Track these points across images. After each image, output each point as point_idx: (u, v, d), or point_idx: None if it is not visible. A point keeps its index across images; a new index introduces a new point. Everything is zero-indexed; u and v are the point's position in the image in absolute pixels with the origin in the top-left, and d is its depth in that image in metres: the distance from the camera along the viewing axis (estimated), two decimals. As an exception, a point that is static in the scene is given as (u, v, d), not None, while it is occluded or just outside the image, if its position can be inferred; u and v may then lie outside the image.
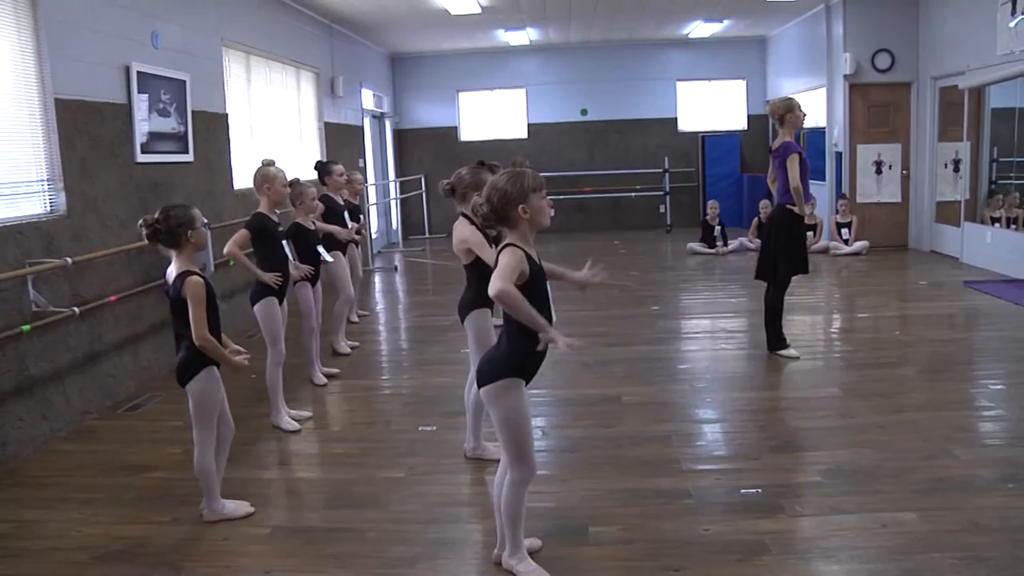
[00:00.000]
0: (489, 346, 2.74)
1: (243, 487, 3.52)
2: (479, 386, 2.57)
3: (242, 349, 3.21)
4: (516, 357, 2.50)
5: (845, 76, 9.84)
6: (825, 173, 10.28)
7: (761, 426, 4.08)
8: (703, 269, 9.27)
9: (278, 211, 4.43)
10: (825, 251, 9.76)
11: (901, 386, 4.62)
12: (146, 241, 3.07)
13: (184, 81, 5.91)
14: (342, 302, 5.79)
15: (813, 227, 9.83)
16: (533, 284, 2.47)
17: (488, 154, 12.16)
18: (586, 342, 5.97)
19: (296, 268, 4.66)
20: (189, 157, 6.01)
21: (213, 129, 6.49)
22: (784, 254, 5.15)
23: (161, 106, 5.60)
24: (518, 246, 2.44)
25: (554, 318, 2.57)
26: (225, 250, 4.20)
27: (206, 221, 3.26)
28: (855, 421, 4.08)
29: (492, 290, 2.34)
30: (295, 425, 4.32)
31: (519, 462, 2.57)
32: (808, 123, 10.98)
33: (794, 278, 5.30)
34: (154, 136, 5.51)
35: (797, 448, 3.79)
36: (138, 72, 5.28)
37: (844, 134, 10.00)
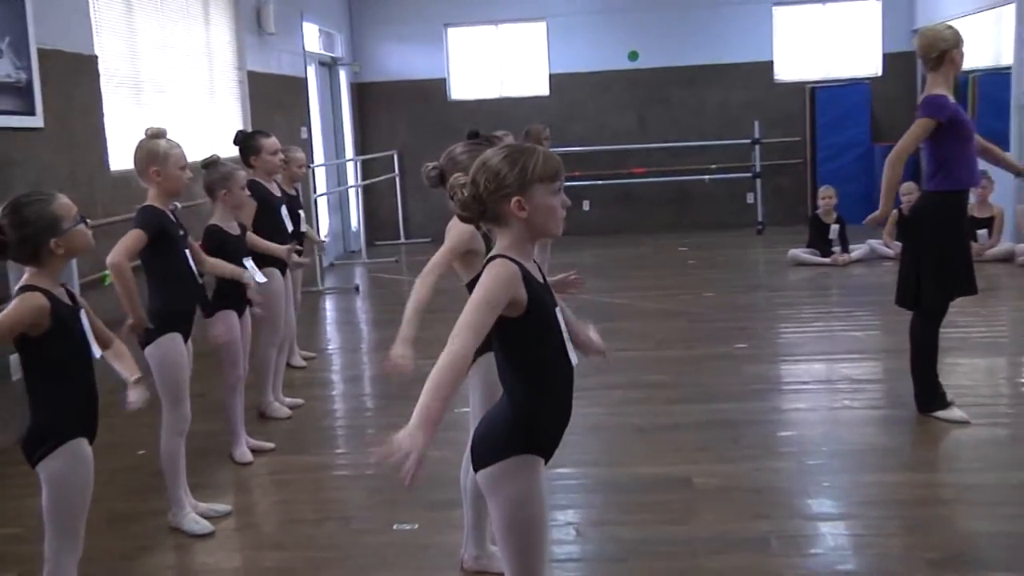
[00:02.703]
0: (492, 403, 2.77)
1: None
2: (475, 467, 2.61)
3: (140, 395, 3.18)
4: (525, 422, 2.52)
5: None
6: (1009, 140, 10.19)
7: (912, 527, 4.05)
8: (813, 287, 9.23)
9: (178, 204, 4.44)
10: (1009, 259, 9.73)
11: None
12: None
13: (21, 1, 5.90)
14: (269, 343, 5.77)
15: (987, 222, 9.80)
16: (538, 314, 2.50)
17: (490, 120, 12.15)
18: (640, 395, 5.96)
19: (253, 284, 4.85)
20: (36, 120, 6.05)
21: (75, 78, 6.51)
22: (935, 266, 5.11)
23: (-16, 40, 5.61)
24: (510, 259, 2.48)
25: (575, 361, 2.61)
26: (109, 260, 4.12)
27: (83, 216, 3.20)
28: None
29: (450, 342, 2.37)
30: (206, 526, 4.32)
31: None
32: (977, 62, 10.95)
33: (954, 301, 5.24)
34: (-25, 87, 5.53)
35: (973, 564, 3.75)
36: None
37: (1041, 79, 9.89)
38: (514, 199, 2.47)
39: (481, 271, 3.43)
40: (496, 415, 2.60)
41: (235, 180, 4.87)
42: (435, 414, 2.35)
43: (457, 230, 3.43)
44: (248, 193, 5.08)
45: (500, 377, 2.60)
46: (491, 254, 2.53)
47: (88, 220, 3.27)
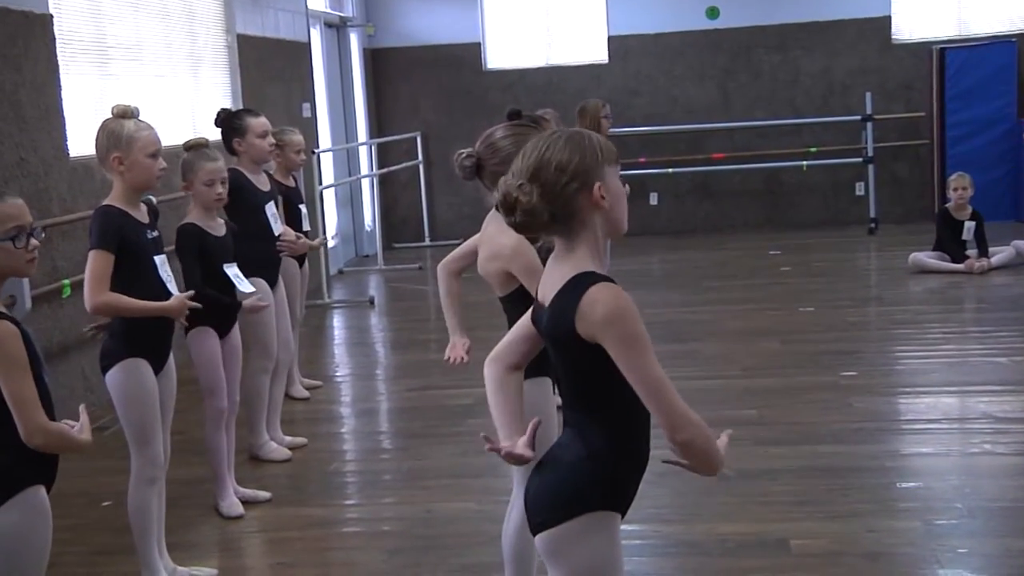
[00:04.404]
0: (549, 444, 2.74)
1: None
2: (535, 528, 2.60)
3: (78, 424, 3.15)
4: (607, 470, 2.53)
5: None
6: None
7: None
8: (942, 301, 9.20)
9: (153, 199, 4.46)
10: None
11: None
12: None
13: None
14: (260, 368, 5.81)
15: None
16: None
17: (535, 94, 12.20)
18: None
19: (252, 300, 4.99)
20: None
21: (24, 43, 6.53)
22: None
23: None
24: (609, 280, 2.48)
25: None
26: (89, 305, 4.15)
27: (32, 229, 3.17)
28: None
29: (678, 434, 2.42)
30: (184, 595, 4.36)
31: None
32: None
33: None
34: None
35: None
36: None
37: None
38: (596, 185, 2.50)
39: (516, 287, 3.40)
40: (563, 461, 2.59)
41: (196, 172, 4.84)
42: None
43: (519, 246, 3.36)
44: (222, 189, 5.02)
45: (568, 407, 2.60)
46: (577, 272, 2.51)
47: (36, 233, 3.18)
